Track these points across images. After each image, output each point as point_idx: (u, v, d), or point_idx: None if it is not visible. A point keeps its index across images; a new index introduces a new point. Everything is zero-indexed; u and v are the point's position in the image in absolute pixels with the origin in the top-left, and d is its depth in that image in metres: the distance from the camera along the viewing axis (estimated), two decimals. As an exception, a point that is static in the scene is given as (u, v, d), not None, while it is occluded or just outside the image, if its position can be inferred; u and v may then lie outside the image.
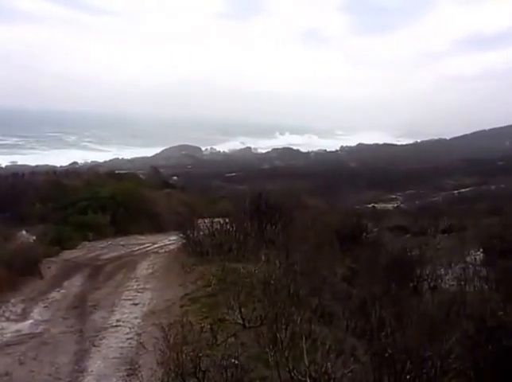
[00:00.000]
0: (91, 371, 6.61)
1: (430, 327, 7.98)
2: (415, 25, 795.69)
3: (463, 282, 12.45)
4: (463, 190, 67.59)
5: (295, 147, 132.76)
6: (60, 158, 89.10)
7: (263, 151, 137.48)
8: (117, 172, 36.09)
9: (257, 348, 6.36)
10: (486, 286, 12.46)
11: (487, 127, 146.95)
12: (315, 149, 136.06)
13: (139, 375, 6.23)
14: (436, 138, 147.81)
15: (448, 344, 6.80)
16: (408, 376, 5.88)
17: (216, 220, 14.63)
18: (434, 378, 6.06)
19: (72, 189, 21.77)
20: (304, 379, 5.29)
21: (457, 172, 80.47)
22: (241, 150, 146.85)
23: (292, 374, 5.46)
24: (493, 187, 66.47)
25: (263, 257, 10.53)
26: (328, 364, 5.34)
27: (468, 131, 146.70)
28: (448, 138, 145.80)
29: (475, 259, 16.01)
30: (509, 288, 11.34)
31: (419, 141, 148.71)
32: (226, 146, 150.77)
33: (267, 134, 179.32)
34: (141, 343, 7.37)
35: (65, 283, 11.42)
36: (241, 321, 7.38)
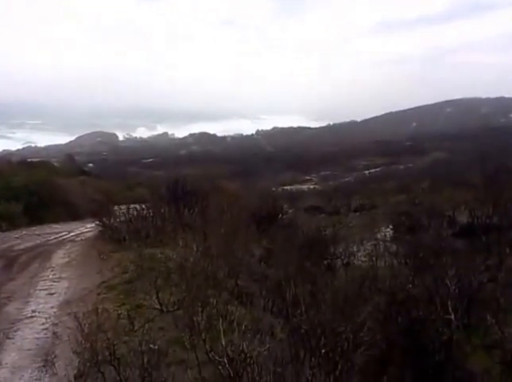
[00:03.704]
0: (6, 363, 6.40)
1: (343, 302, 8.30)
2: (330, 10, 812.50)
3: (374, 258, 13.01)
4: (373, 170, 70.34)
5: (212, 132, 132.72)
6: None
7: (180, 136, 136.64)
8: (30, 160, 34.95)
9: (174, 332, 6.40)
10: (396, 261, 13.09)
11: (394, 109, 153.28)
12: (231, 133, 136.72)
13: (55, 365, 6.11)
14: (347, 120, 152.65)
15: (361, 319, 7.12)
16: (323, 351, 6.10)
17: (133, 206, 14.49)
18: (347, 351, 6.32)
19: (-17, 180, 20.83)
20: (221, 359, 5.37)
21: (368, 153, 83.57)
22: (158, 135, 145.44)
23: (210, 355, 5.54)
24: (401, 166, 69.61)
25: (180, 242, 10.54)
26: (245, 343, 5.45)
27: (377, 113, 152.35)
28: (358, 120, 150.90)
29: (385, 235, 16.77)
30: (416, 262, 11.99)
31: (331, 123, 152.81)
32: (143, 132, 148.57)
33: (185, 120, 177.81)
34: (55, 333, 7.20)
35: (-23, 276, 10.96)
36: (158, 306, 7.37)
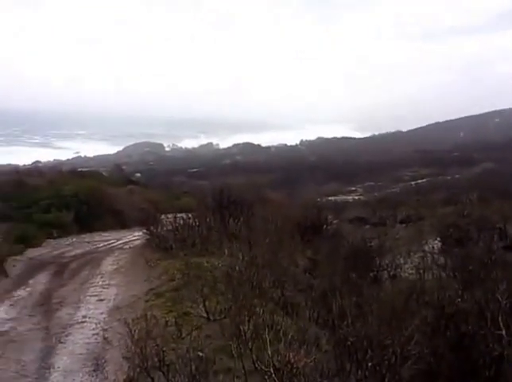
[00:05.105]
0: (58, 367, 6.60)
1: (390, 315, 8.18)
2: (373, 17, 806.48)
3: (421, 271, 12.74)
4: (419, 181, 69.07)
5: (256, 142, 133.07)
6: (21, 157, 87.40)
7: (224, 147, 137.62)
8: (80, 170, 35.95)
9: (221, 340, 6.46)
10: (444, 274, 12.78)
11: (442, 119, 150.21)
12: (275, 143, 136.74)
13: (105, 370, 6.26)
14: (392, 130, 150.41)
15: (408, 332, 7.00)
16: (369, 364, 6.04)
17: (179, 215, 14.69)
18: (395, 365, 6.23)
19: (35, 188, 21.61)
20: (267, 369, 5.40)
21: (414, 163, 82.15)
22: (203, 145, 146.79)
23: (256, 365, 5.57)
24: (448, 177, 68.12)
25: (226, 251, 10.63)
26: (291, 353, 5.46)
27: (424, 123, 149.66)
28: (404, 130, 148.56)
29: (433, 247, 16.42)
30: (465, 275, 11.69)
31: (376, 134, 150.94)
32: (188, 142, 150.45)
33: (229, 131, 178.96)
34: (105, 338, 7.38)
35: (31, 281, 11.36)
36: (205, 315, 7.46)
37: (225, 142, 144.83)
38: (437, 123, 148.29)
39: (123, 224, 21.15)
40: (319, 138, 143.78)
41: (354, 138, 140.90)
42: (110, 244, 16.13)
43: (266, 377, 5.32)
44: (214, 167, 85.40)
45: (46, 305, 9.55)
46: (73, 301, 9.68)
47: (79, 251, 14.89)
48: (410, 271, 13.37)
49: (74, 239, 17.31)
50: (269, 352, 5.48)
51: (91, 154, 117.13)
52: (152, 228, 14.06)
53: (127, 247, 15.29)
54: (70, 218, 18.99)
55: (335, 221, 17.99)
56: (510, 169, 60.29)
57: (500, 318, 8.27)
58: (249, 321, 6.16)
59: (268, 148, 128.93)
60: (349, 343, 6.32)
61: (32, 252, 14.75)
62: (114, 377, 6.06)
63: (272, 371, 5.33)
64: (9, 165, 64.89)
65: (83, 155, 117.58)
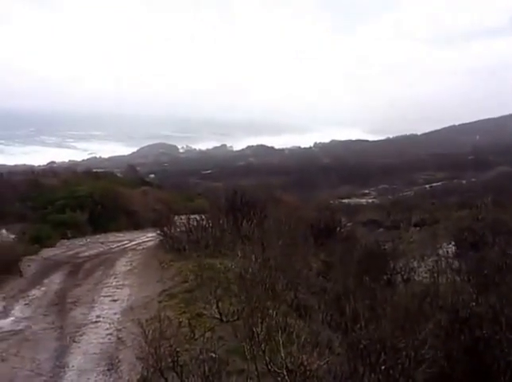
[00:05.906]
0: (72, 366, 6.66)
1: (404, 318, 8.13)
2: (389, 19, 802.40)
3: (435, 274, 12.65)
4: (434, 184, 68.67)
5: (269, 144, 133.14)
6: (37, 158, 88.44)
7: (238, 148, 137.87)
8: (94, 170, 36.18)
9: (234, 341, 6.47)
10: (459, 278, 12.68)
11: (457, 123, 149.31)
12: (289, 146, 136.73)
13: (119, 370, 6.30)
14: (407, 133, 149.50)
15: (422, 335, 6.96)
16: (382, 367, 6.01)
17: (193, 216, 14.72)
18: (408, 368, 6.20)
19: (50, 188, 21.81)
20: (280, 371, 5.39)
21: (429, 167, 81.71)
22: (217, 147, 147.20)
23: (269, 366, 5.56)
24: (464, 181, 67.64)
25: (239, 252, 10.63)
26: (304, 356, 5.45)
27: (439, 127, 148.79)
28: (419, 133, 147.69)
29: (447, 251, 16.29)
30: (480, 279, 11.59)
31: (391, 136, 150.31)
32: (202, 144, 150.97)
33: (243, 133, 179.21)
34: (119, 338, 7.42)
35: (45, 281, 11.46)
36: (218, 316, 7.47)
37: (239, 144, 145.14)
38: (453, 126, 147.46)
39: (137, 224, 21.24)
40: (332, 141, 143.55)
41: (368, 141, 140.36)
42: (123, 245, 16.21)
43: (279, 379, 5.32)
44: (227, 169, 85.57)
45: (60, 304, 9.64)
46: (87, 301, 9.76)
47: (93, 252, 14.98)
48: (424, 275, 13.28)
49: (88, 240, 17.43)
50: (282, 354, 5.47)
51: (105, 155, 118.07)
52: (165, 229, 14.11)
53: (141, 248, 15.36)
54: (84, 218, 19.13)
55: (348, 224, 17.92)
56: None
57: (515, 323, 8.19)
58: (262, 323, 6.16)
59: (282, 150, 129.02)
60: (362, 346, 6.30)
61: (47, 252, 14.88)
62: (128, 377, 6.10)
63: (285, 373, 5.33)
64: (25, 165, 65.63)
65: (97, 156, 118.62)
